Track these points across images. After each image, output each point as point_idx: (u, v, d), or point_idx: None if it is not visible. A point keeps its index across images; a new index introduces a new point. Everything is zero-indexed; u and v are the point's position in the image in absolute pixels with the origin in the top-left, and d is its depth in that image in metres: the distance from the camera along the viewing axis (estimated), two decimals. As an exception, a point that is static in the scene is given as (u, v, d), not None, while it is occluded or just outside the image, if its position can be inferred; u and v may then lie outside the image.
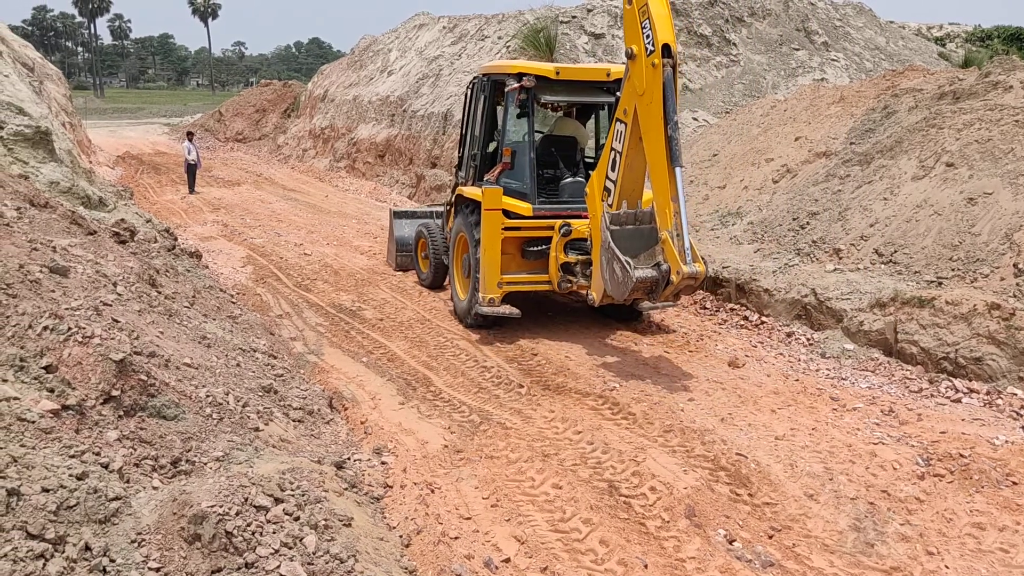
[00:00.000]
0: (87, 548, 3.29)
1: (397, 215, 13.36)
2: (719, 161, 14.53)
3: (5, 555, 3.02)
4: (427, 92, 23.72)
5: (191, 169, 21.72)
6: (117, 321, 5.47)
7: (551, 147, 10.21)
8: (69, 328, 4.75)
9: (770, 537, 5.15)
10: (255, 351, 7.51)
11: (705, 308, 10.64)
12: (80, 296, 5.58)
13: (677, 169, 7.51)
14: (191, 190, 21.61)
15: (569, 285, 9.45)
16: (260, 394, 6.29)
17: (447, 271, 11.06)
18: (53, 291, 5.39)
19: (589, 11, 21.22)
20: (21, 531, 3.15)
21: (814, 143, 12.89)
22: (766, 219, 11.76)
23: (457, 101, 7.90)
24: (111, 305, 5.80)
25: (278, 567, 3.61)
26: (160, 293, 7.30)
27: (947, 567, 4.84)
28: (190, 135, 23.21)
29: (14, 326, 4.60)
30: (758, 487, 5.74)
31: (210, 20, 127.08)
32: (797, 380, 7.95)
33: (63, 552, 3.21)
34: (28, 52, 22.34)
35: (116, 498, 3.61)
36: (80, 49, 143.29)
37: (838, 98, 14.02)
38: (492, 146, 10.57)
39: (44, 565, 3.09)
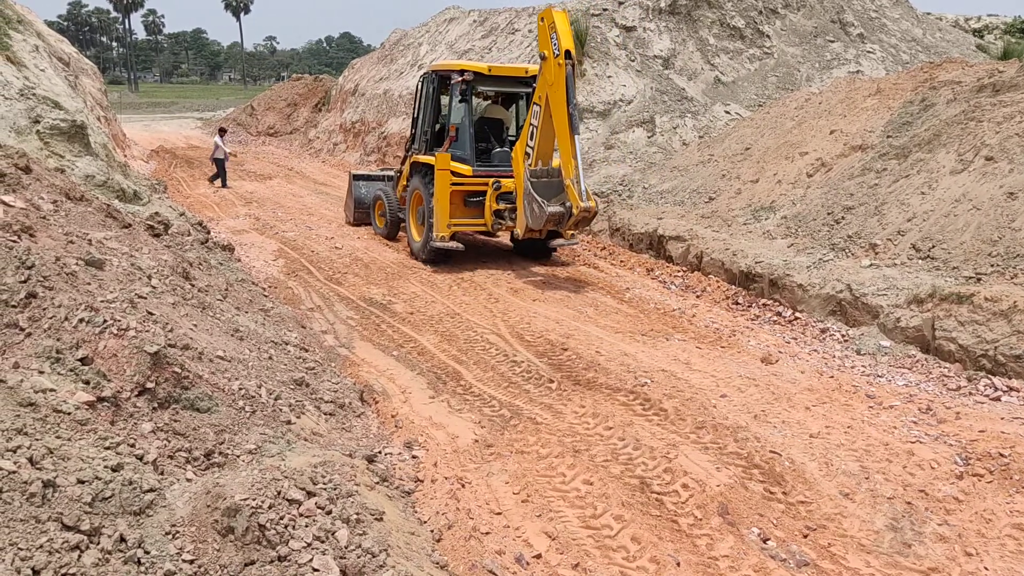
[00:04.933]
0: (122, 540, 3.31)
1: (356, 178, 16.44)
2: (752, 155, 14.38)
3: (41, 546, 3.05)
4: (457, 86, 23.68)
5: (220, 163, 21.83)
6: (152, 314, 5.50)
7: (484, 126, 13.54)
8: (104, 320, 4.79)
9: (805, 536, 5.08)
10: (287, 344, 7.54)
11: (738, 304, 10.54)
12: (115, 288, 5.63)
13: (575, 136, 10.84)
14: (224, 184, 21.75)
15: (500, 226, 12.70)
16: (292, 387, 6.31)
17: (399, 225, 14.62)
18: (89, 283, 5.44)
19: (620, 4, 21.08)
20: (57, 522, 3.17)
21: (850, 136, 12.71)
22: (800, 213, 11.62)
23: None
24: (146, 298, 5.84)
25: (311, 561, 3.61)
26: (193, 286, 7.36)
27: (986, 568, 4.75)
28: (222, 131, 23.34)
29: (50, 318, 4.65)
30: (792, 485, 5.67)
31: (242, 15, 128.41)
32: (832, 377, 7.84)
33: (98, 543, 3.23)
34: (64, 47, 22.61)
35: (151, 490, 3.63)
36: (115, 44, 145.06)
37: (874, 91, 13.80)
38: (438, 126, 13.77)
39: (79, 556, 3.11)
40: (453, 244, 12.51)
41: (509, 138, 13.61)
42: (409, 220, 13.65)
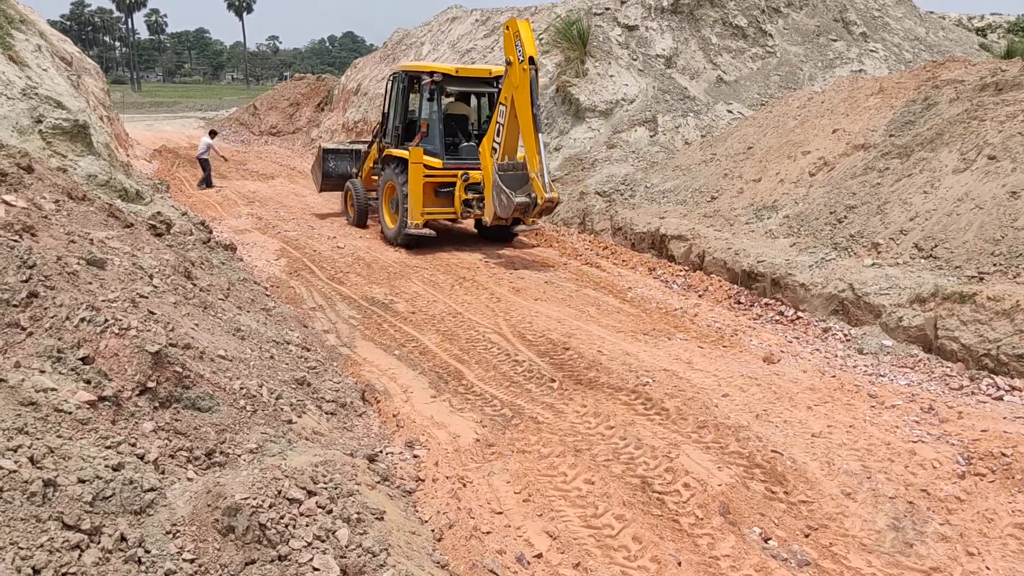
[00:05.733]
0: (122, 539, 3.31)
1: (326, 152, 17.90)
2: (754, 154, 14.36)
3: (41, 545, 3.04)
4: (460, 85, 23.67)
5: (206, 164, 21.69)
6: (153, 313, 5.51)
7: (451, 122, 14.62)
8: (106, 320, 4.80)
9: (806, 536, 5.08)
10: (288, 343, 7.54)
11: (739, 303, 10.53)
12: (117, 288, 5.64)
13: (539, 134, 12.03)
14: (204, 184, 21.56)
15: (468, 214, 13.91)
16: (293, 386, 6.31)
17: (367, 214, 16.08)
18: (90, 283, 5.44)
19: (623, 3, 21.06)
20: (57, 521, 3.17)
21: (852, 135, 12.69)
22: (802, 213, 11.61)
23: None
24: (147, 297, 5.85)
25: (311, 560, 3.61)
26: (195, 285, 7.36)
27: (988, 568, 4.75)
28: (212, 133, 23.25)
29: (52, 317, 4.65)
30: (794, 485, 5.66)
31: (245, 14, 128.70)
32: (834, 376, 7.84)
33: (99, 543, 3.23)
34: (66, 47, 22.62)
35: (151, 489, 3.63)
36: (117, 44, 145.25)
37: (877, 89, 13.78)
38: (406, 123, 14.95)
39: (80, 556, 3.11)
40: (426, 231, 13.72)
41: (474, 133, 14.97)
42: (383, 209, 14.83)
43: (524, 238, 15.15)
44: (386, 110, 15.47)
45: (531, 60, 11.97)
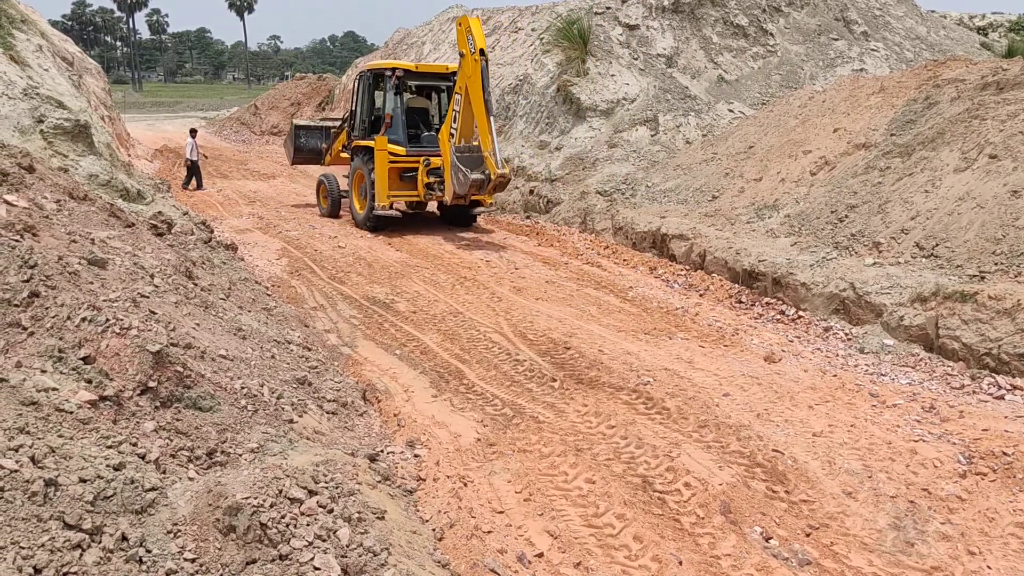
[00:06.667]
0: (124, 538, 3.31)
1: (298, 128, 19.86)
2: (755, 153, 14.36)
3: (43, 545, 3.05)
4: (460, 85, 23.65)
5: (195, 165, 21.33)
6: (154, 313, 5.51)
7: (413, 115, 16.24)
8: (107, 319, 4.80)
9: (807, 535, 5.08)
10: (290, 343, 7.55)
11: (740, 302, 10.52)
12: (118, 288, 5.64)
13: (491, 117, 13.45)
14: (200, 186, 21.23)
15: (431, 197, 15.32)
16: (294, 386, 6.31)
17: (340, 205, 17.35)
18: (91, 283, 5.44)
19: (624, 2, 21.04)
20: (58, 521, 3.17)
21: (853, 135, 12.68)
22: (803, 212, 11.60)
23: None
24: (148, 297, 5.85)
25: (312, 559, 3.61)
26: (196, 285, 7.36)
27: (989, 567, 4.74)
28: (193, 132, 22.87)
29: (53, 317, 4.65)
30: (795, 484, 5.66)
31: (246, 14, 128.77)
32: (835, 376, 7.83)
33: (100, 542, 3.23)
34: (68, 46, 22.63)
35: (152, 489, 3.63)
36: (119, 44, 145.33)
37: (878, 89, 13.77)
38: (374, 116, 16.49)
39: (81, 555, 3.11)
40: (393, 212, 15.72)
41: (434, 125, 16.38)
42: (352, 196, 16.37)
43: (482, 222, 16.68)
44: (354, 107, 16.97)
45: (481, 52, 13.39)
